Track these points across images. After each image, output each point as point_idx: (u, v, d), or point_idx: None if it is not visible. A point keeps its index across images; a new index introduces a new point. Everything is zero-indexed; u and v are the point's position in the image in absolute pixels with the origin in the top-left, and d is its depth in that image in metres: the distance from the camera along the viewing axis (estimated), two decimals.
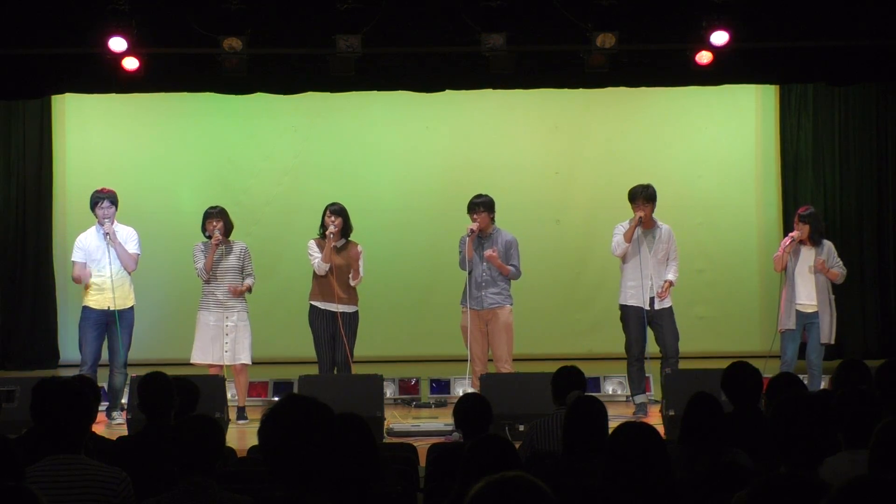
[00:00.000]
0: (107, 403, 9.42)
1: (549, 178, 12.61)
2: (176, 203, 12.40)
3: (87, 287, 9.48)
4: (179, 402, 5.76)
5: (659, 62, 10.10)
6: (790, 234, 9.60)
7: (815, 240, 9.52)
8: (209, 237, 9.53)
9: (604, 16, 9.52)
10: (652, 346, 9.56)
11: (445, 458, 5.60)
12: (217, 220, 9.53)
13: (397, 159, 12.57)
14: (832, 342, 9.57)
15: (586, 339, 12.22)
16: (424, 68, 10.08)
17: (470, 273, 9.53)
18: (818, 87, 12.19)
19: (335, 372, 9.47)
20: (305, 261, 9.59)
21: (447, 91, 10.60)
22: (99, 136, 12.42)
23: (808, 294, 9.48)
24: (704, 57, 9.77)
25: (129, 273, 9.53)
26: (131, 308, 9.58)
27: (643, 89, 11.18)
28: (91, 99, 11.81)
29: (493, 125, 12.60)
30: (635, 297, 9.48)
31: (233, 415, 9.22)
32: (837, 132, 12.35)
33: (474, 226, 9.45)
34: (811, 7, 9.78)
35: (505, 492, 2.42)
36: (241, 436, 8.72)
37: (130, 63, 9.63)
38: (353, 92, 10.79)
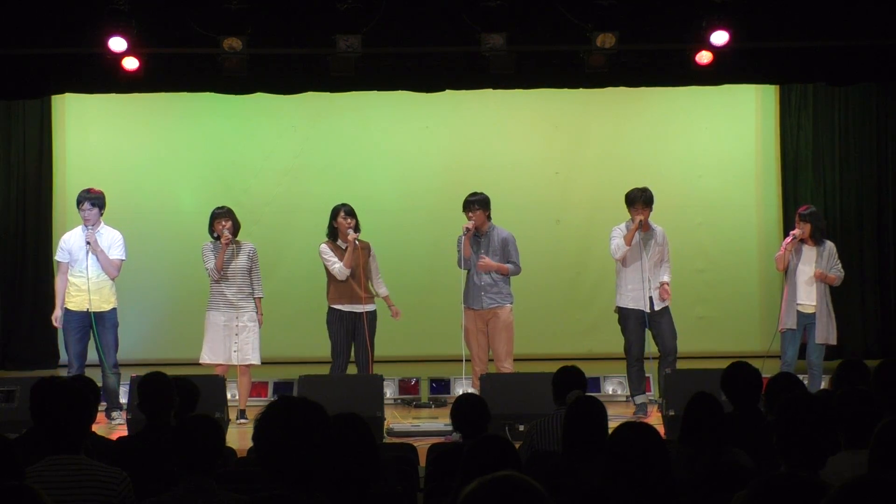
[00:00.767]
0: (104, 404, 9.42)
1: (549, 178, 12.61)
2: (176, 203, 12.40)
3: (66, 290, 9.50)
4: (179, 402, 5.76)
5: (659, 62, 10.10)
6: (792, 232, 9.60)
7: (816, 238, 9.52)
8: (217, 237, 9.52)
9: (604, 16, 9.53)
10: (650, 347, 9.57)
11: (445, 458, 5.60)
12: (226, 220, 9.52)
13: (397, 159, 12.57)
14: (833, 342, 9.57)
15: (586, 339, 12.21)
16: (424, 68, 10.08)
17: (469, 272, 9.55)
18: (818, 87, 12.19)
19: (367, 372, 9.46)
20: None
21: (447, 91, 10.60)
22: (99, 136, 12.42)
23: (808, 294, 9.48)
24: (704, 57, 9.78)
25: (112, 279, 9.53)
26: (113, 309, 9.56)
27: (643, 89, 11.18)
28: (91, 99, 11.80)
29: (493, 125, 12.60)
30: (635, 299, 9.49)
31: (233, 415, 9.23)
32: (837, 132, 12.35)
33: (470, 224, 9.48)
34: (811, 7, 9.79)
35: (498, 491, 2.42)
36: (242, 436, 8.71)
37: (130, 63, 9.63)
38: (353, 92, 10.78)
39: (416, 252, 12.34)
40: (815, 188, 12.33)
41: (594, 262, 12.13)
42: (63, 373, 9.54)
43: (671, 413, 8.21)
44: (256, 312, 9.55)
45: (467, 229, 9.48)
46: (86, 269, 9.39)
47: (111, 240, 9.53)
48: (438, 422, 9.35)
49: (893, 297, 12.34)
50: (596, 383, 10.33)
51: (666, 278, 9.55)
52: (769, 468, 4.43)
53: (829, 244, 9.63)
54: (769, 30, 9.88)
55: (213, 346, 9.51)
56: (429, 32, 9.72)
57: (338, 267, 9.50)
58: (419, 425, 9.32)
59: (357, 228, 9.58)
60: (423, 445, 6.90)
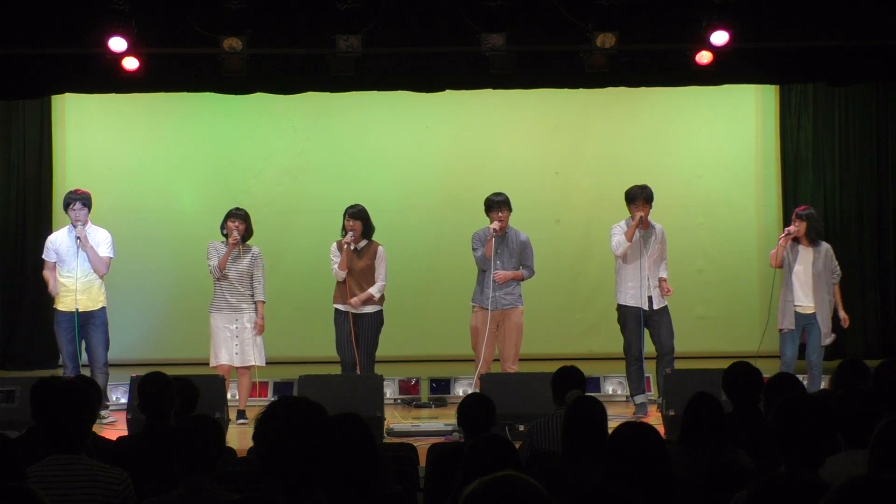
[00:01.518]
0: (107, 404, 9.43)
1: (549, 178, 12.60)
2: (176, 203, 12.39)
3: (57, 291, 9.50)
4: (179, 402, 5.77)
5: (659, 62, 10.11)
6: (787, 229, 9.62)
7: (811, 239, 9.52)
8: (226, 235, 9.52)
9: (604, 16, 9.53)
10: (648, 346, 9.57)
11: (445, 458, 5.60)
12: (240, 221, 9.52)
13: (397, 159, 12.56)
14: (830, 340, 9.59)
15: (586, 339, 12.22)
16: (424, 68, 10.08)
17: (483, 272, 9.48)
18: (818, 87, 12.19)
19: (357, 373, 9.46)
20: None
21: (447, 91, 10.60)
22: (99, 136, 12.41)
23: (806, 295, 9.48)
24: (704, 57, 9.78)
25: (101, 277, 9.53)
26: (102, 308, 9.57)
27: (643, 89, 11.18)
28: (91, 99, 11.81)
29: (493, 125, 12.60)
30: (634, 297, 9.48)
31: (233, 415, 9.23)
32: (837, 132, 12.35)
33: (497, 225, 9.31)
34: (811, 7, 9.79)
35: (498, 491, 2.42)
36: (242, 436, 8.72)
37: (130, 63, 9.64)
38: (353, 92, 10.78)
39: (416, 252, 12.34)
40: (814, 188, 12.33)
41: (594, 262, 12.13)
42: (63, 372, 9.54)
43: (671, 413, 8.21)
44: (256, 315, 9.54)
45: (494, 230, 9.31)
46: (74, 268, 9.40)
47: (100, 238, 9.54)
48: (438, 422, 9.35)
49: (893, 297, 12.34)
50: (596, 383, 10.34)
51: (664, 275, 9.56)
52: (769, 468, 4.43)
53: (826, 245, 9.64)
54: (769, 30, 9.89)
55: (217, 349, 9.53)
56: (429, 32, 9.73)
57: (334, 269, 9.52)
58: (419, 425, 9.32)
59: (368, 231, 9.54)
60: (423, 445, 6.91)
